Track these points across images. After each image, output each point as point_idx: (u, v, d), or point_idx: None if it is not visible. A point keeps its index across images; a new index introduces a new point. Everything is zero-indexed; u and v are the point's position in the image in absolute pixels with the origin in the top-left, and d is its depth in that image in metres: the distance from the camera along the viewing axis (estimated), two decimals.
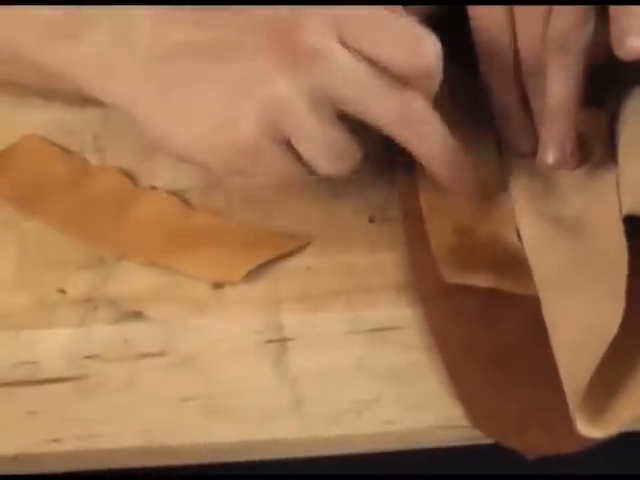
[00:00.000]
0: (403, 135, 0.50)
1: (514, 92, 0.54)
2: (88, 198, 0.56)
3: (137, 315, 0.52)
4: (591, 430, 0.46)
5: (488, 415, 0.49)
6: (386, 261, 0.53)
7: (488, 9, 0.52)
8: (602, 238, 0.50)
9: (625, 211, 0.50)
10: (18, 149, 0.58)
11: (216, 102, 0.49)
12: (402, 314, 0.52)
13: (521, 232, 0.53)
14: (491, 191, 0.55)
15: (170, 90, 0.50)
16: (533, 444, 0.48)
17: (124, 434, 0.49)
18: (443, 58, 0.48)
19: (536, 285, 0.50)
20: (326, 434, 0.49)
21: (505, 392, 0.49)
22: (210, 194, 0.56)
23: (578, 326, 0.47)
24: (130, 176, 0.57)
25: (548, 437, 0.48)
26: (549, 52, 0.51)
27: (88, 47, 0.52)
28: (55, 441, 0.49)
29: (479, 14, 0.53)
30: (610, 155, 0.53)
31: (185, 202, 0.56)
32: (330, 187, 0.55)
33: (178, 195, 0.56)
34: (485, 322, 0.51)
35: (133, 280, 0.53)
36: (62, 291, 0.53)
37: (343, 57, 0.48)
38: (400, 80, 0.48)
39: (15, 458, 0.49)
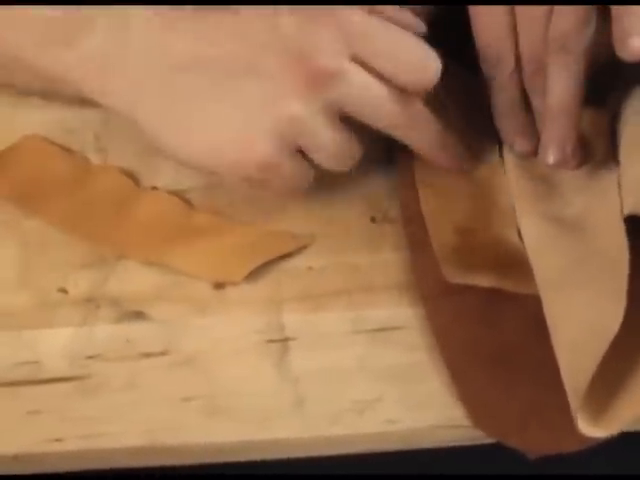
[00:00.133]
0: (404, 134, 0.52)
1: (515, 92, 0.54)
2: (89, 198, 0.56)
3: (139, 315, 0.52)
4: (592, 429, 0.46)
5: (489, 415, 0.49)
6: (388, 261, 0.54)
7: (489, 9, 0.53)
8: (603, 238, 0.50)
9: (626, 211, 0.50)
10: (19, 149, 0.58)
11: (232, 119, 0.50)
12: (404, 314, 0.52)
13: (522, 232, 0.53)
14: (492, 191, 0.55)
15: (178, 100, 0.51)
16: (534, 444, 0.48)
17: (126, 434, 0.49)
18: (443, 58, 0.50)
19: (537, 285, 0.50)
20: (327, 434, 0.49)
21: (506, 392, 0.49)
22: (211, 194, 0.56)
23: (579, 326, 0.47)
24: (131, 176, 0.57)
25: (549, 437, 0.48)
26: (550, 52, 0.51)
27: (88, 50, 0.52)
28: (57, 441, 0.49)
29: (480, 14, 0.53)
30: (611, 155, 0.53)
31: (186, 202, 0.56)
32: (332, 187, 0.55)
33: (179, 195, 0.56)
34: (486, 322, 0.51)
35: (135, 280, 0.53)
36: (63, 291, 0.53)
37: (357, 75, 0.50)
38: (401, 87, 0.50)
39: (17, 458, 0.49)
